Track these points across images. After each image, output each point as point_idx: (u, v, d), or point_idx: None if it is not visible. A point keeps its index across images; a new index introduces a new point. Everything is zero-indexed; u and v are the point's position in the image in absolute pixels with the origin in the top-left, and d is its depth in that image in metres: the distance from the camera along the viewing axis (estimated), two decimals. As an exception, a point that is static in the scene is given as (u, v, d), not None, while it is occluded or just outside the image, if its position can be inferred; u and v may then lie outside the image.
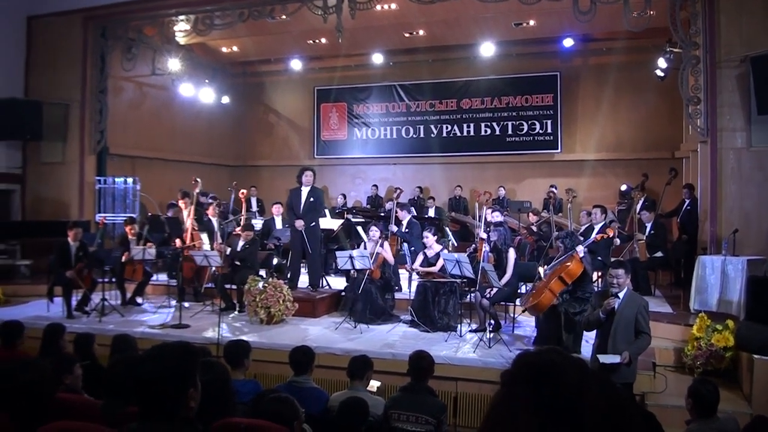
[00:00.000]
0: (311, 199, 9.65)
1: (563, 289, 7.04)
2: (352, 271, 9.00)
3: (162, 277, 11.17)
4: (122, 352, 4.78)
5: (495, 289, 7.93)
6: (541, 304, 7.00)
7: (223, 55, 16.12)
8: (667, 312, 8.71)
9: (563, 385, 1.19)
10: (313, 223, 9.67)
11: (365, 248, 9.26)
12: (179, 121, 15.43)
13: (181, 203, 10.63)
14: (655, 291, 10.01)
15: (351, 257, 8.62)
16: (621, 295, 5.77)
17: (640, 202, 11.06)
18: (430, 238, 8.92)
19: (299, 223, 9.50)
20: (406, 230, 10.52)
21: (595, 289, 7.92)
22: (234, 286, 9.57)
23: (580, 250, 7.09)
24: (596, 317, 5.85)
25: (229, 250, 10.03)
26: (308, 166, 10.27)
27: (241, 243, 9.86)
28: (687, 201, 10.64)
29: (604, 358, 5.59)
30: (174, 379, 2.23)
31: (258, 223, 12.38)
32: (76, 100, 12.57)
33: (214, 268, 9.72)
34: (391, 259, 9.22)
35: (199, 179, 10.60)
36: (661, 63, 11.94)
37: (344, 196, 15.71)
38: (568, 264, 7.03)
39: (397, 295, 9.52)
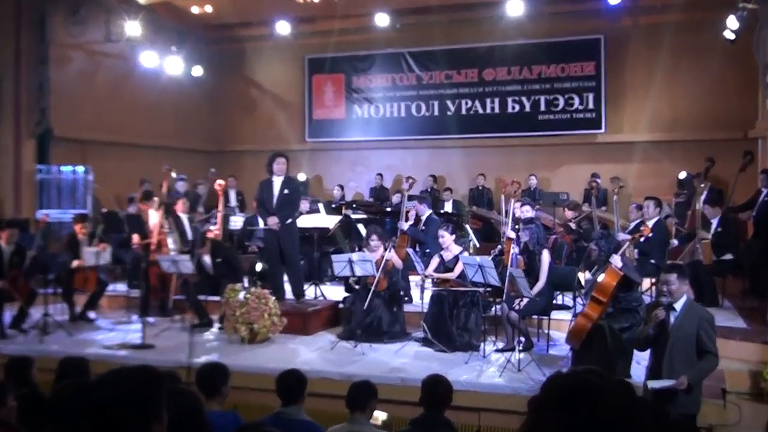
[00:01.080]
0: (286, 192, 9.61)
1: (601, 310, 6.99)
2: (351, 279, 8.97)
3: (121, 287, 11.15)
4: (72, 377, 4.75)
5: (525, 300, 7.88)
6: (576, 332, 6.97)
7: (194, 16, 16.06)
8: (739, 327, 8.64)
9: (604, 409, 1.17)
10: (290, 220, 9.64)
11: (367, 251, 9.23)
12: (141, 97, 15.41)
13: (140, 205, 10.56)
14: (724, 301, 9.93)
15: (350, 261, 8.58)
16: (678, 306, 5.70)
17: (704, 194, 10.99)
18: (447, 237, 8.88)
19: (272, 221, 9.48)
20: (423, 228, 10.46)
21: (648, 299, 7.86)
22: (213, 298, 9.55)
23: (616, 260, 7.02)
24: (646, 333, 5.80)
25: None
26: (280, 151, 10.21)
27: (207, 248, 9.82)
28: (765, 191, 10.54)
29: (654, 384, 5.52)
30: (134, 411, 2.19)
31: (239, 221, 12.35)
32: (8, 73, 12.57)
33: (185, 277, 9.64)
34: (399, 263, 9.18)
35: (172, 168, 10.56)
36: (731, 22, 11.84)
37: (341, 188, 15.68)
38: (602, 279, 6.99)
39: (407, 308, 9.49)
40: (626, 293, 7.10)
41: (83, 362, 5.25)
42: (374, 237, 9.24)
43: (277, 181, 9.66)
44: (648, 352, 6.00)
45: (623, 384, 1.21)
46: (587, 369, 1.22)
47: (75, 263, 9.74)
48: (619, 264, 6.97)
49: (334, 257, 9.12)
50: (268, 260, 10.10)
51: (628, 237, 8.03)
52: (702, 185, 11.43)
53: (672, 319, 5.67)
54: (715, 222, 10.18)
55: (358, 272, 8.63)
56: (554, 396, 1.18)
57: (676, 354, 5.63)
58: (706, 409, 6.08)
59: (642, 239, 8.27)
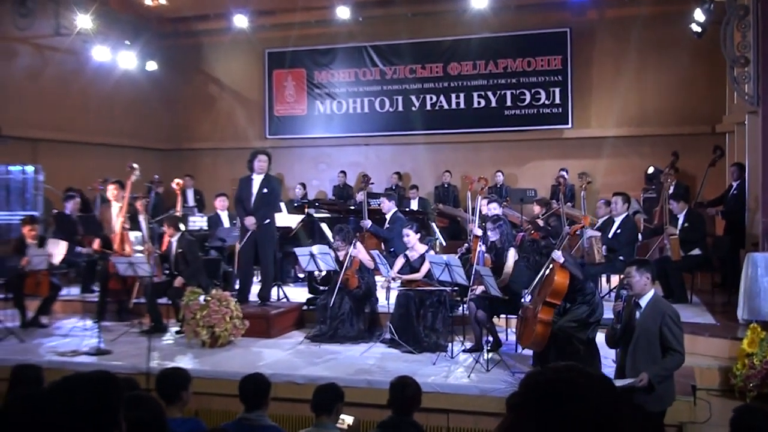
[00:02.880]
0: (264, 191, 9.57)
1: (554, 311, 7.04)
2: (318, 276, 8.97)
3: (74, 291, 11.00)
4: (25, 386, 4.68)
5: (481, 288, 7.92)
6: (538, 339, 7.01)
7: (148, 9, 15.90)
8: (708, 323, 8.77)
9: (586, 407, 1.16)
10: (268, 220, 9.60)
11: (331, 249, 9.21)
12: (93, 93, 15.23)
13: (110, 192, 10.29)
14: (693, 297, 10.08)
15: (312, 255, 8.57)
16: (643, 302, 5.79)
17: (672, 188, 11.14)
18: (412, 236, 8.89)
19: (250, 221, 9.43)
20: (388, 226, 10.46)
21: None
22: (169, 301, 9.46)
23: (557, 255, 7.07)
24: (614, 330, 5.92)
25: (156, 252, 9.88)
26: (261, 149, 10.19)
27: (174, 244, 9.73)
28: (734, 185, 10.69)
29: (618, 382, 5.56)
30: (90, 420, 2.16)
31: (198, 221, 12.24)
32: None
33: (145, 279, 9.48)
34: (368, 261, 9.18)
35: (136, 165, 10.37)
36: (698, 15, 12.01)
37: (303, 186, 15.61)
38: (552, 277, 7.02)
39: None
40: (576, 289, 7.14)
41: (36, 370, 5.17)
42: (337, 238, 9.23)
43: (257, 179, 9.60)
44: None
45: (605, 380, 1.21)
46: (568, 365, 1.22)
47: (23, 261, 9.54)
48: (561, 259, 7.03)
49: (297, 251, 9.15)
50: (238, 260, 10.03)
51: (570, 230, 8.00)
52: (670, 179, 11.60)
53: (638, 315, 5.76)
54: (681, 217, 10.32)
55: (321, 266, 8.64)
56: (534, 394, 1.18)
57: (639, 351, 5.71)
58: (677, 407, 6.15)
59: (579, 232, 8.32)
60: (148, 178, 13.97)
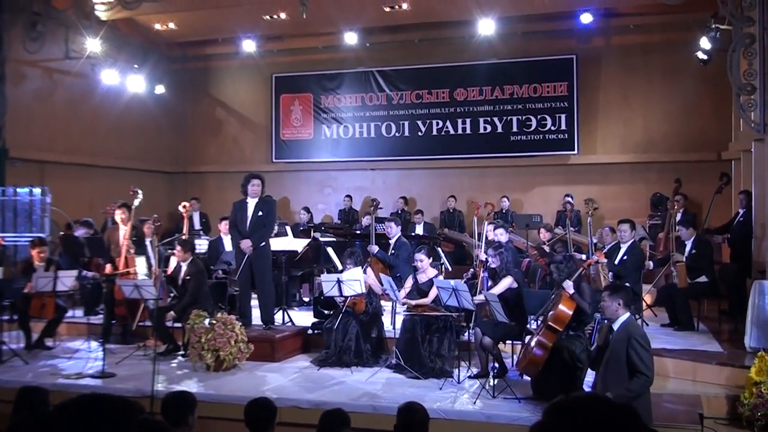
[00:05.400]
0: (260, 213, 9.58)
1: (556, 338, 7.07)
2: (338, 299, 8.91)
3: (79, 313, 11.00)
4: (30, 408, 4.66)
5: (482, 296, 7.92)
6: (535, 361, 7.03)
7: (157, 33, 16.05)
8: (715, 351, 8.73)
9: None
10: (263, 243, 9.60)
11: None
12: (102, 116, 15.32)
13: (118, 216, 10.39)
14: (700, 325, 10.03)
15: (339, 282, 8.54)
16: (616, 325, 5.90)
17: (679, 215, 11.13)
18: (425, 261, 8.89)
19: (245, 244, 9.43)
20: (393, 252, 10.44)
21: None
22: (177, 324, 9.44)
23: (568, 285, 7.14)
24: (592, 353, 6.06)
25: (163, 275, 9.88)
26: (255, 173, 10.18)
27: (183, 268, 9.72)
28: (741, 212, 10.68)
29: None
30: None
31: (203, 244, 12.27)
32: (-39, 90, 12.41)
33: (151, 303, 9.47)
34: (377, 286, 9.16)
35: (139, 190, 10.43)
36: (704, 43, 12.06)
37: (308, 211, 15.57)
38: (558, 304, 7.08)
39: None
40: (581, 318, 7.19)
41: (42, 393, 5.15)
42: (349, 261, 9.22)
43: (251, 203, 9.62)
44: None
45: (629, 411, 1.20)
46: (590, 395, 1.21)
47: (29, 288, 9.54)
48: (571, 291, 7.08)
49: (322, 277, 9.11)
50: (239, 284, 10.01)
51: (582, 256, 8.09)
52: (676, 206, 11.60)
53: (611, 336, 5.88)
54: (689, 244, 10.30)
55: (347, 292, 8.57)
56: (558, 423, 1.17)
57: (609, 373, 5.83)
58: (685, 436, 6.12)
59: (592, 266, 8.32)
60: (154, 200, 14.01)
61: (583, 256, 8.82)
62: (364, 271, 9.07)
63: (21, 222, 12.56)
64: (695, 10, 12.35)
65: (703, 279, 10.07)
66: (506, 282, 8.20)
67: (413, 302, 8.76)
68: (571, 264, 7.67)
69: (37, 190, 12.74)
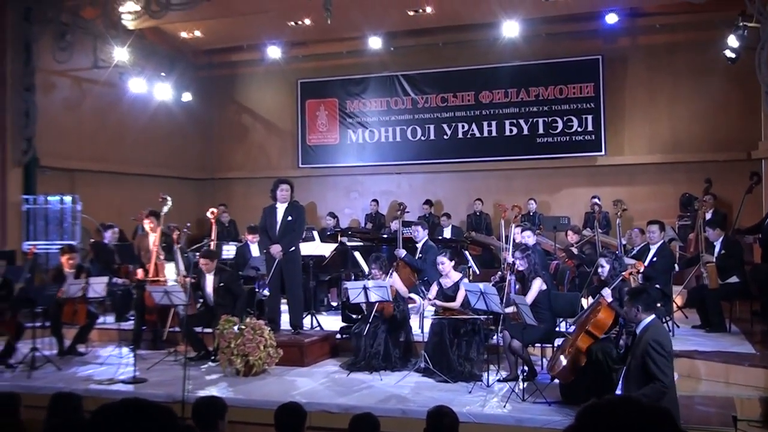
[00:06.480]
0: (289, 218, 9.61)
1: (592, 343, 7.00)
2: (363, 305, 8.92)
3: (110, 319, 11.10)
4: (64, 414, 4.72)
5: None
6: (569, 367, 6.97)
7: (184, 41, 16.18)
8: (748, 352, 8.61)
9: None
10: (293, 248, 9.63)
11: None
12: (130, 124, 15.46)
13: (147, 224, 10.49)
14: (731, 326, 9.91)
15: (365, 288, 8.55)
16: (638, 329, 5.85)
17: (708, 214, 11.01)
18: (446, 264, 8.85)
19: (275, 249, 9.46)
20: (420, 256, 10.41)
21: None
22: (208, 330, 9.49)
23: (607, 293, 7.11)
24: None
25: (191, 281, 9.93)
26: (284, 178, 10.23)
27: (210, 278, 9.76)
28: (773, 211, 10.55)
29: None
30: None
31: (230, 250, 12.33)
32: (-6, 100, 12.59)
33: (181, 309, 9.54)
34: (403, 289, 9.16)
35: (168, 197, 10.51)
36: (732, 41, 11.96)
37: (334, 216, 15.59)
38: (597, 311, 7.01)
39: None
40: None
41: (75, 398, 5.21)
42: (374, 267, 9.21)
43: (281, 208, 9.65)
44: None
45: (663, 413, 1.19)
46: (624, 397, 1.20)
47: (60, 294, 9.64)
48: (609, 298, 7.05)
49: (348, 284, 9.11)
50: (269, 289, 10.04)
51: (633, 261, 8.04)
52: (705, 206, 11.48)
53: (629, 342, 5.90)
54: (718, 244, 10.19)
55: (374, 298, 8.57)
56: (591, 426, 1.16)
57: (631, 379, 5.79)
58: (719, 439, 6.06)
59: (639, 274, 8.26)
60: (182, 207, 14.10)
61: (633, 261, 8.73)
62: (390, 275, 9.07)
63: (52, 230, 12.72)
64: (722, 9, 12.25)
65: (734, 279, 9.95)
66: (537, 285, 8.16)
67: (441, 303, 8.73)
68: (622, 263, 7.61)
69: (67, 198, 12.90)
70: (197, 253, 11.01)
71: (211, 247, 10.94)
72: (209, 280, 9.80)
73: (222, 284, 9.68)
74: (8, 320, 9.29)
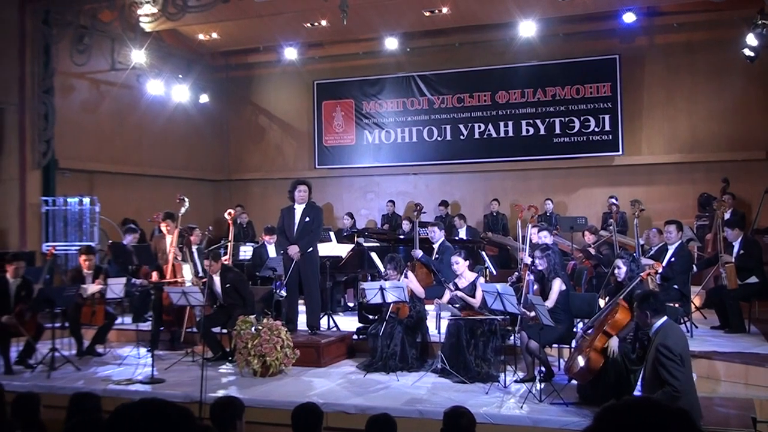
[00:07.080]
0: (307, 219, 9.60)
1: (607, 341, 6.97)
2: (383, 306, 8.91)
3: (128, 320, 11.15)
4: (83, 415, 4.74)
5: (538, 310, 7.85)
6: (588, 367, 6.93)
7: (201, 43, 16.25)
8: (767, 353, 8.55)
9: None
10: (311, 249, 9.63)
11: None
12: (147, 126, 15.56)
13: (163, 227, 10.58)
14: (751, 327, 9.84)
15: (382, 289, 8.55)
16: (651, 333, 5.81)
17: (727, 214, 10.92)
18: (461, 264, 8.83)
19: (293, 250, 9.47)
20: (437, 257, 10.40)
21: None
22: (224, 330, 9.52)
23: None
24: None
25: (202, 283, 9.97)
26: (302, 179, 10.23)
27: (217, 279, 9.76)
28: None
29: None
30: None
31: (247, 251, 12.38)
32: (13, 102, 12.69)
33: (198, 310, 9.58)
34: (419, 290, 9.15)
35: (185, 198, 10.56)
36: (751, 40, 11.88)
37: (351, 216, 15.60)
38: (615, 311, 6.98)
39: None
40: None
41: (94, 399, 5.24)
42: (389, 267, 9.20)
43: (299, 209, 9.65)
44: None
45: (683, 414, 1.19)
46: (643, 398, 1.20)
47: (88, 289, 9.69)
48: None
49: (365, 285, 9.10)
50: (287, 289, 10.03)
51: (651, 262, 8.00)
52: (724, 206, 11.38)
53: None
54: (736, 245, 10.11)
55: (390, 299, 8.56)
56: (610, 428, 1.15)
57: (647, 383, 5.72)
58: (738, 440, 6.02)
59: (657, 274, 8.23)
60: (200, 208, 14.17)
61: (650, 262, 8.69)
62: (405, 275, 9.06)
63: (71, 231, 12.81)
64: (740, 7, 12.20)
65: (753, 280, 9.87)
66: (557, 285, 8.13)
67: (461, 294, 8.67)
68: (640, 265, 7.59)
69: (86, 200, 12.98)
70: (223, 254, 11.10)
71: (229, 248, 10.96)
72: (217, 281, 9.84)
73: (228, 285, 9.70)
74: (28, 321, 9.34)
